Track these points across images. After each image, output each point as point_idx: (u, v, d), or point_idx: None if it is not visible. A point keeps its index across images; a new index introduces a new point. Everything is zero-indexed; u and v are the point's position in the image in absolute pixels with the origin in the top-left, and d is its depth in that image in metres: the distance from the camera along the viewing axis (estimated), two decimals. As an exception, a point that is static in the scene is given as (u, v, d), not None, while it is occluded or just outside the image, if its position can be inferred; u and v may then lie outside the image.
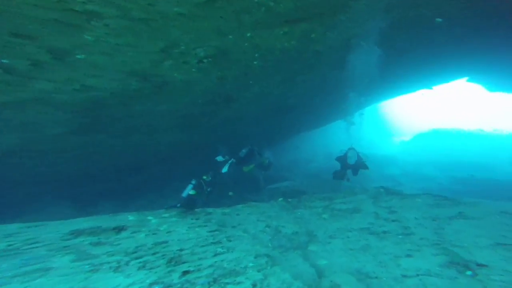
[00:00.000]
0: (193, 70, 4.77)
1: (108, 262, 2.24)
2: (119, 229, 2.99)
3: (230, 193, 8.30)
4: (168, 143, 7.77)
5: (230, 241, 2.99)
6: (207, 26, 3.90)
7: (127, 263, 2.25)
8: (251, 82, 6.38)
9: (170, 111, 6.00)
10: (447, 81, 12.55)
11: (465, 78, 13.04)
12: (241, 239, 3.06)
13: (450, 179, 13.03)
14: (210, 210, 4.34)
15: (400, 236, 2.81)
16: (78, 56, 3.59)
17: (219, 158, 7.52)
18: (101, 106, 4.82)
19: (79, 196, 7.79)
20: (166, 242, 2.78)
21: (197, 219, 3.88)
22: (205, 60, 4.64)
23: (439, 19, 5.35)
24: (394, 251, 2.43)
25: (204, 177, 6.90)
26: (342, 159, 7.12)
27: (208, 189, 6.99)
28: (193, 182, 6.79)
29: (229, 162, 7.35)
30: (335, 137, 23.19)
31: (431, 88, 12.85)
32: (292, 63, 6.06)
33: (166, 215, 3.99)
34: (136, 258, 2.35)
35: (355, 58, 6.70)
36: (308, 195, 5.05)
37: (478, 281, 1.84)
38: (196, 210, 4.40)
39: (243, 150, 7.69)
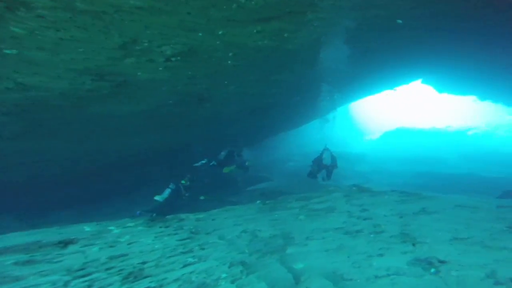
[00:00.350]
0: (160, 69, 4.46)
1: (38, 285, 1.84)
2: (65, 243, 2.53)
3: (201, 197, 8.05)
4: (136, 146, 7.25)
5: (203, 249, 2.79)
6: (173, 22, 3.63)
7: (66, 284, 1.88)
8: (226, 82, 6.20)
9: (136, 113, 5.56)
10: (406, 82, 13.63)
11: (420, 80, 14.32)
12: (216, 246, 2.89)
13: (412, 173, 14.20)
14: (183, 216, 4.08)
15: (372, 235, 2.88)
16: (7, 51, 3.09)
17: (201, 162, 7.39)
18: (47, 107, 4.26)
19: (27, 207, 6.88)
20: (125, 255, 2.48)
21: (167, 227, 3.60)
22: (173, 59, 4.36)
23: (399, 21, 5.67)
24: (366, 250, 2.46)
25: (183, 181, 6.78)
26: (318, 160, 7.43)
27: (186, 194, 6.86)
28: (172, 186, 6.61)
29: (211, 164, 7.31)
30: (310, 136, 24.00)
31: (393, 89, 13.86)
32: (266, 62, 6.01)
33: (132, 224, 3.65)
34: (82, 276, 1.98)
35: (327, 57, 6.92)
36: (286, 196, 5.03)
37: (440, 278, 1.93)
38: (167, 217, 4.12)
39: (222, 153, 7.72)
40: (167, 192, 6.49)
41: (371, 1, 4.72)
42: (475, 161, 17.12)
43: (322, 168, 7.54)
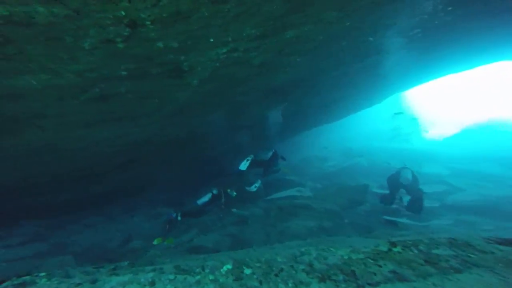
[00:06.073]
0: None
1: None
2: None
3: (234, 210, 7.38)
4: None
5: None
6: None
7: None
8: (211, 40, 3.92)
9: (53, 87, 3.71)
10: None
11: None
12: None
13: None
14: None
15: None
16: None
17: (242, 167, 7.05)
18: None
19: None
20: None
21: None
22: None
23: None
24: None
25: (228, 190, 6.78)
26: (394, 178, 6.33)
27: (223, 202, 6.62)
28: (214, 191, 6.59)
29: (249, 160, 7.01)
30: (357, 128, 19.67)
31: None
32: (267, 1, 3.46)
33: None
34: None
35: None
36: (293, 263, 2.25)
37: None
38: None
39: (269, 152, 7.32)
40: (208, 196, 6.53)
41: None
42: None
43: (398, 190, 6.19)
